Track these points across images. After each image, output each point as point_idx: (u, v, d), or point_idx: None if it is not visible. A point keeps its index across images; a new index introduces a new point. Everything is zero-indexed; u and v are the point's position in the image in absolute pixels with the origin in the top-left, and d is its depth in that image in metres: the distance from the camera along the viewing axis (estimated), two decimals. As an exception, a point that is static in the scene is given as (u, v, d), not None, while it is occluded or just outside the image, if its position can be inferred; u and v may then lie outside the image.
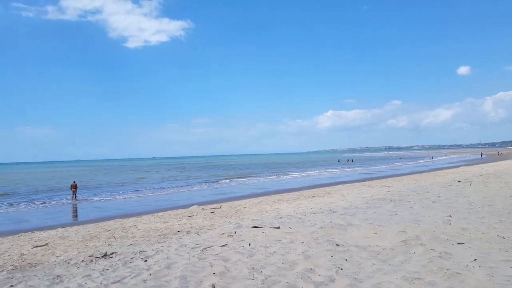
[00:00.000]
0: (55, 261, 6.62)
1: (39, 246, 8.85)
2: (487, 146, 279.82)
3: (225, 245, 6.60)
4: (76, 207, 21.49)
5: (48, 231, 11.36)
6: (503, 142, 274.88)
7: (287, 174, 44.45)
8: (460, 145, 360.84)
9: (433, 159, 69.96)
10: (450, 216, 8.07)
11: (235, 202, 16.60)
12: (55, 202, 24.07)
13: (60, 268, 6.01)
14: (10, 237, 10.61)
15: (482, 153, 79.00)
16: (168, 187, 31.49)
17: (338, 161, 78.43)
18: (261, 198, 18.10)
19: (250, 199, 17.87)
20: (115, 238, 8.89)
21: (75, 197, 25.91)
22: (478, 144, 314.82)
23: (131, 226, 11.05)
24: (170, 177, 47.49)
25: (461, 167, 37.47)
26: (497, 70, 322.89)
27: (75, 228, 11.71)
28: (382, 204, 10.83)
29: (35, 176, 63.67)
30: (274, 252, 5.95)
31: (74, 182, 27.22)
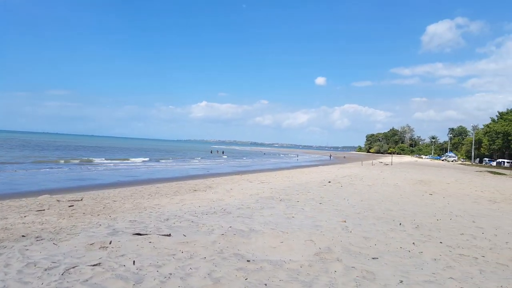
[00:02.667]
0: None
1: None
2: (332, 149, 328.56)
3: (98, 264, 4.77)
4: None
5: None
6: (344, 147, 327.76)
7: (157, 162, 41.71)
8: (311, 146, 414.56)
9: (298, 157, 76.93)
10: (344, 221, 8.03)
11: (100, 193, 13.96)
12: None
13: None
14: None
15: (331, 155, 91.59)
16: (9, 169, 25.27)
17: (211, 152, 78.83)
18: (132, 188, 15.82)
19: (118, 189, 15.38)
20: None
21: None
22: (325, 147, 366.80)
23: None
24: (13, 156, 38.93)
25: (319, 166, 41.90)
26: (346, 84, 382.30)
27: None
28: (273, 204, 10.37)
29: None
30: (171, 274, 4.50)
31: None
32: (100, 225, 7.40)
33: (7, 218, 8.43)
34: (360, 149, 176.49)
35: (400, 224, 8.01)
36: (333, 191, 13.96)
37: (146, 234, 6.31)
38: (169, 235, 6.29)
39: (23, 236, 6.47)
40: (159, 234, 6.32)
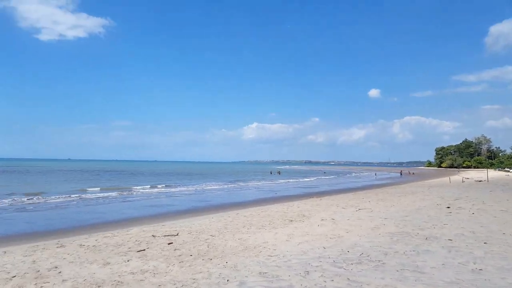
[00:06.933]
0: None
1: None
2: (395, 165, 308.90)
3: None
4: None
5: None
6: (409, 162, 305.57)
7: (222, 184, 40.96)
8: (371, 162, 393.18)
9: (376, 176, 71.14)
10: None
11: (189, 224, 12.75)
12: None
13: None
14: None
15: (401, 172, 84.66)
16: (85, 196, 25.72)
17: (271, 173, 77.41)
18: (218, 217, 14.47)
19: (204, 218, 14.15)
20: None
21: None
22: (387, 163, 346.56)
23: (49, 270, 6.75)
24: (86, 184, 40.78)
25: (400, 185, 38.06)
26: (403, 95, 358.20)
27: None
28: (423, 244, 8.12)
29: None
30: None
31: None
32: (227, 280, 5.83)
33: (110, 263, 7.30)
34: (429, 164, 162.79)
35: None
36: (472, 221, 11.26)
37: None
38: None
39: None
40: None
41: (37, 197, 23.34)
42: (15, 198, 21.80)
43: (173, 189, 32.79)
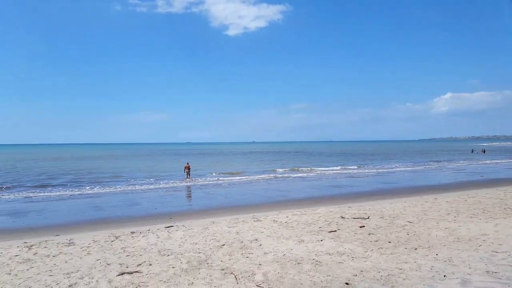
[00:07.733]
0: None
1: (127, 272, 5.63)
2: None
3: None
4: (187, 191, 20.28)
5: (142, 236, 8.25)
6: None
7: (411, 165, 36.93)
8: None
9: None
10: None
11: (379, 207, 11.82)
12: (166, 182, 23.11)
13: None
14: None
15: None
16: (276, 176, 28.02)
17: (472, 151, 65.22)
18: (412, 201, 12.92)
19: (397, 202, 12.89)
20: (235, 278, 5.17)
21: (189, 177, 25.50)
22: None
23: (251, 241, 7.44)
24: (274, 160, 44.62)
25: None
26: None
27: (178, 233, 8.44)
28: None
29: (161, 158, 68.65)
30: None
31: (188, 163, 27.05)
32: (444, 276, 4.85)
33: (304, 241, 7.40)
34: None
35: None
36: None
37: None
38: None
39: (346, 284, 4.75)
40: None
41: (233, 176, 27.20)
42: (219, 178, 25.99)
43: (355, 170, 31.99)
